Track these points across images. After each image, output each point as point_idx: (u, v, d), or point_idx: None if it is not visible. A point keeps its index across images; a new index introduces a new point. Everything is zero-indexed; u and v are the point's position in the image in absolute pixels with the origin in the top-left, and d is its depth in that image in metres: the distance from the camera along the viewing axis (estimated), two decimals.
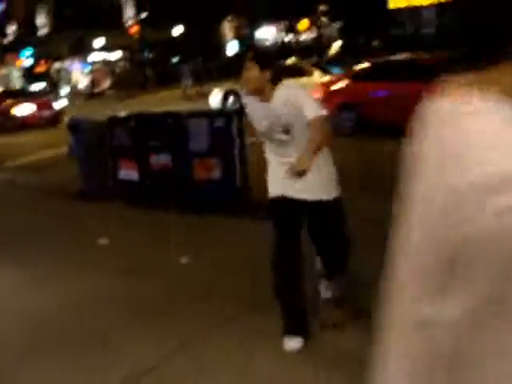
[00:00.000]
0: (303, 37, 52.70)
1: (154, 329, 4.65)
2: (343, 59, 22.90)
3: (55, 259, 6.62)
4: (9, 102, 24.91)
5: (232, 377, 3.86)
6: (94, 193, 9.33)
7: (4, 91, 29.94)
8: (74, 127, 9.94)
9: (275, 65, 4.79)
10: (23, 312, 5.24)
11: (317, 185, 4.09)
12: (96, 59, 46.50)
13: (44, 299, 5.49)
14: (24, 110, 24.18)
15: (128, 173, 9.00)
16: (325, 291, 4.42)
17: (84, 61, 46.25)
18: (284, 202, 4.16)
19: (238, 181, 8.07)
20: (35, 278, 6.03)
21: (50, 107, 24.95)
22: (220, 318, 4.71)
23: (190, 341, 4.38)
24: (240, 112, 8.35)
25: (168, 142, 8.47)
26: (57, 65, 47.38)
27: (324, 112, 4.08)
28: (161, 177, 8.59)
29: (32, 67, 46.91)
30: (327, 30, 45.61)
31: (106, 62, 47.25)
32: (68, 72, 47.40)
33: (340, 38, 38.72)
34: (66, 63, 46.97)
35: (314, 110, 4.03)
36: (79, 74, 47.15)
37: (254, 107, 4.26)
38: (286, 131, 4.08)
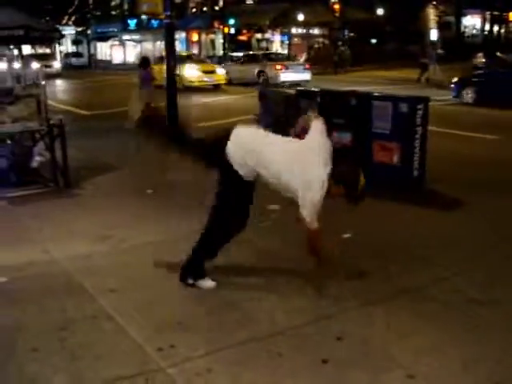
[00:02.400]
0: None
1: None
2: None
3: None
4: None
5: None
6: None
7: None
8: (263, 97, 10.37)
9: None
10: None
11: None
12: (296, 32, 47.33)
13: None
14: None
15: None
16: None
17: (284, 33, 47.28)
18: None
19: (415, 169, 8.01)
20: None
21: None
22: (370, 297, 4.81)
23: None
24: (426, 100, 8.24)
25: (350, 121, 8.56)
26: (258, 35, 48.92)
27: None
28: (341, 155, 8.69)
29: (235, 35, 48.85)
30: None
31: (305, 37, 47.92)
32: (268, 43, 48.74)
33: None
34: (267, 34, 48.31)
35: None
36: (278, 46, 48.30)
37: None
38: None
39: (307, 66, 29.54)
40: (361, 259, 5.62)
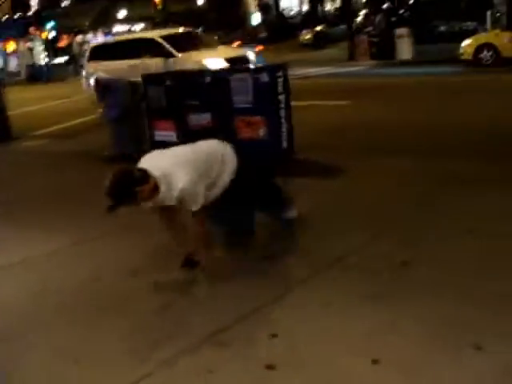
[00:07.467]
0: (328, 6, 51.64)
1: None
2: None
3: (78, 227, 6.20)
4: None
5: None
6: (129, 156, 8.83)
7: None
8: (105, 89, 9.38)
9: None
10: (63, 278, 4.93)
11: None
12: (119, 30, 45.98)
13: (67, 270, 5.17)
14: None
15: (165, 134, 8.51)
16: None
17: (107, 32, 45.75)
18: None
19: (284, 140, 7.57)
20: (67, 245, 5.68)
21: None
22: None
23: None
24: (284, 66, 7.79)
25: (207, 100, 7.95)
26: (79, 38, 46.96)
27: None
28: (201, 137, 8.07)
29: (55, 41, 46.56)
30: None
31: (129, 34, 46.77)
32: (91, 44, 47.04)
33: (365, 7, 37.46)
34: (89, 36, 46.51)
35: None
36: None
37: None
38: None
39: None
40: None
